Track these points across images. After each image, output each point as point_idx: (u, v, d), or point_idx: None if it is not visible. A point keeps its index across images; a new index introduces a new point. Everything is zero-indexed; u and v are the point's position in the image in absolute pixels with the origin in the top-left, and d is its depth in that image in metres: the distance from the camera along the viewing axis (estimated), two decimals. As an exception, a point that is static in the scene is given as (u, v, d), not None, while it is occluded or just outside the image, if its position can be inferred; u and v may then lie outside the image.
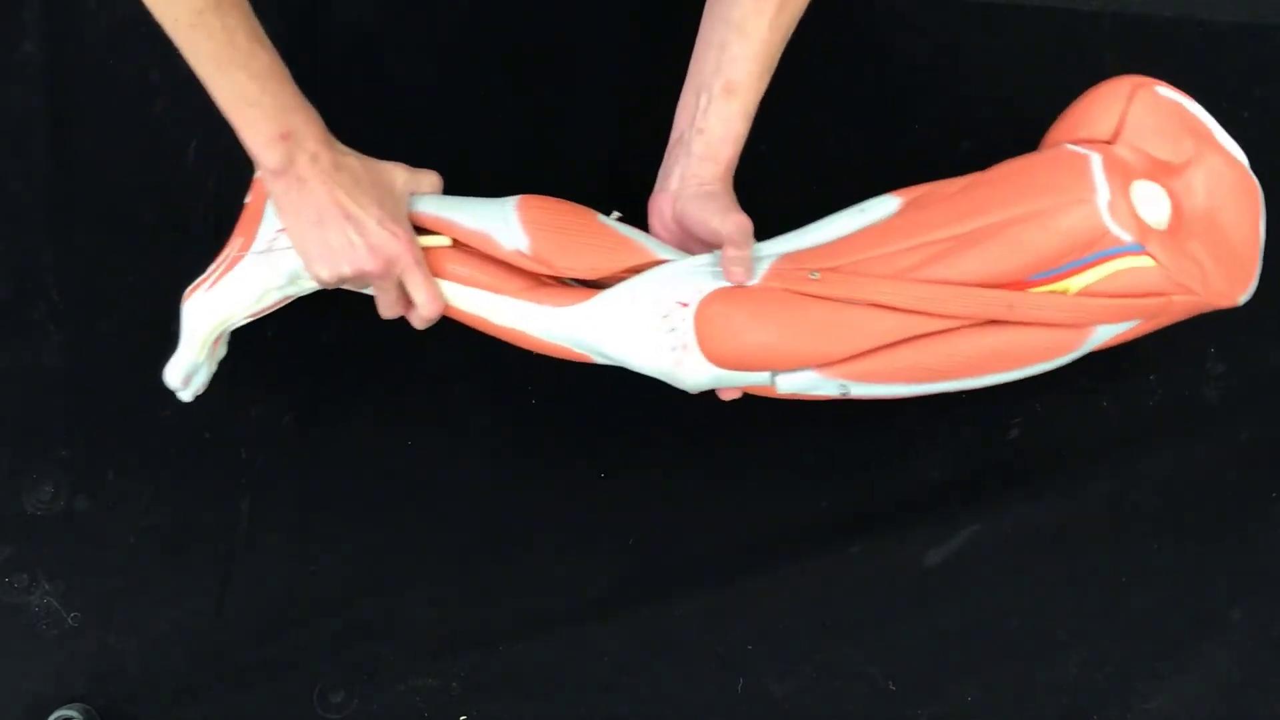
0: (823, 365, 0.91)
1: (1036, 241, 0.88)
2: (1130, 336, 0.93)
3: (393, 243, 0.91)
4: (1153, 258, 0.89)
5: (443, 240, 0.95)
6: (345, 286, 0.96)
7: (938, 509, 1.03)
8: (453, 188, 1.09)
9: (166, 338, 1.07)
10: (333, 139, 0.92)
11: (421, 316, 0.95)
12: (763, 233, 0.94)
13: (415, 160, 1.09)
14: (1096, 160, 0.90)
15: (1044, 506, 1.04)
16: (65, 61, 1.10)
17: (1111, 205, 0.89)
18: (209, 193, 1.08)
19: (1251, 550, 1.03)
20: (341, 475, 1.06)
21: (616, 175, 1.08)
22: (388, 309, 0.96)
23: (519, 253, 0.93)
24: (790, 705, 1.02)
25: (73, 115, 1.09)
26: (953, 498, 1.03)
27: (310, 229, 0.91)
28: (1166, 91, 0.95)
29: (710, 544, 1.05)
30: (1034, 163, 0.93)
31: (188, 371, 0.99)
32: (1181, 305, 0.92)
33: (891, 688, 1.02)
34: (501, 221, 0.93)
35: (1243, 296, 0.93)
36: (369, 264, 0.91)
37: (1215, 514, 1.04)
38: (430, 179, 0.98)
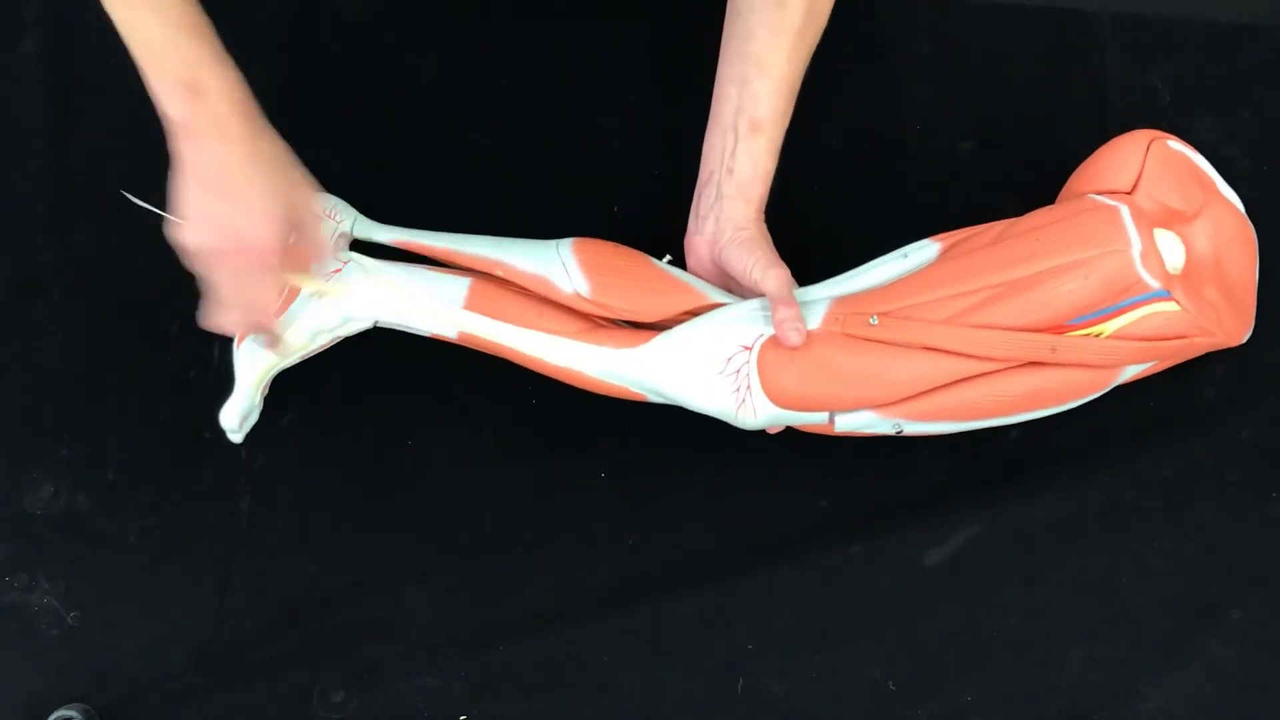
0: (880, 406, 0.95)
1: (1076, 290, 0.93)
2: (1148, 374, 1.00)
3: (254, 234, 0.85)
4: (1177, 302, 0.95)
5: (322, 287, 0.94)
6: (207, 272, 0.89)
7: (938, 509, 1.04)
8: (459, 201, 1.09)
9: (167, 338, 1.07)
10: (256, 114, 0.88)
11: (222, 322, 0.89)
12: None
13: (417, 170, 1.09)
14: (1126, 211, 0.95)
15: (1044, 506, 1.04)
16: (65, 61, 1.10)
17: (1143, 255, 0.94)
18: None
19: (1251, 550, 1.03)
20: (341, 475, 1.06)
21: (629, 191, 1.08)
22: (220, 308, 0.88)
23: (579, 295, 0.95)
24: (790, 705, 1.02)
25: (73, 115, 1.09)
26: (953, 498, 1.03)
27: (192, 189, 0.86)
28: (1177, 145, 1.00)
29: (710, 544, 1.05)
30: (1067, 213, 0.97)
31: (243, 414, 1.00)
32: (1199, 346, 0.99)
33: (891, 688, 1.02)
34: (560, 265, 0.95)
35: (1245, 336, 1.01)
36: (220, 242, 0.85)
37: (1215, 514, 1.04)
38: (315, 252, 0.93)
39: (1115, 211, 0.95)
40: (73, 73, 1.10)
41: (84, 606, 1.04)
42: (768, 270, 0.95)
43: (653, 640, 1.03)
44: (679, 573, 1.04)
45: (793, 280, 0.96)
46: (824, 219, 1.06)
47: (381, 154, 1.08)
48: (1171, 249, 0.97)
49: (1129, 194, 0.98)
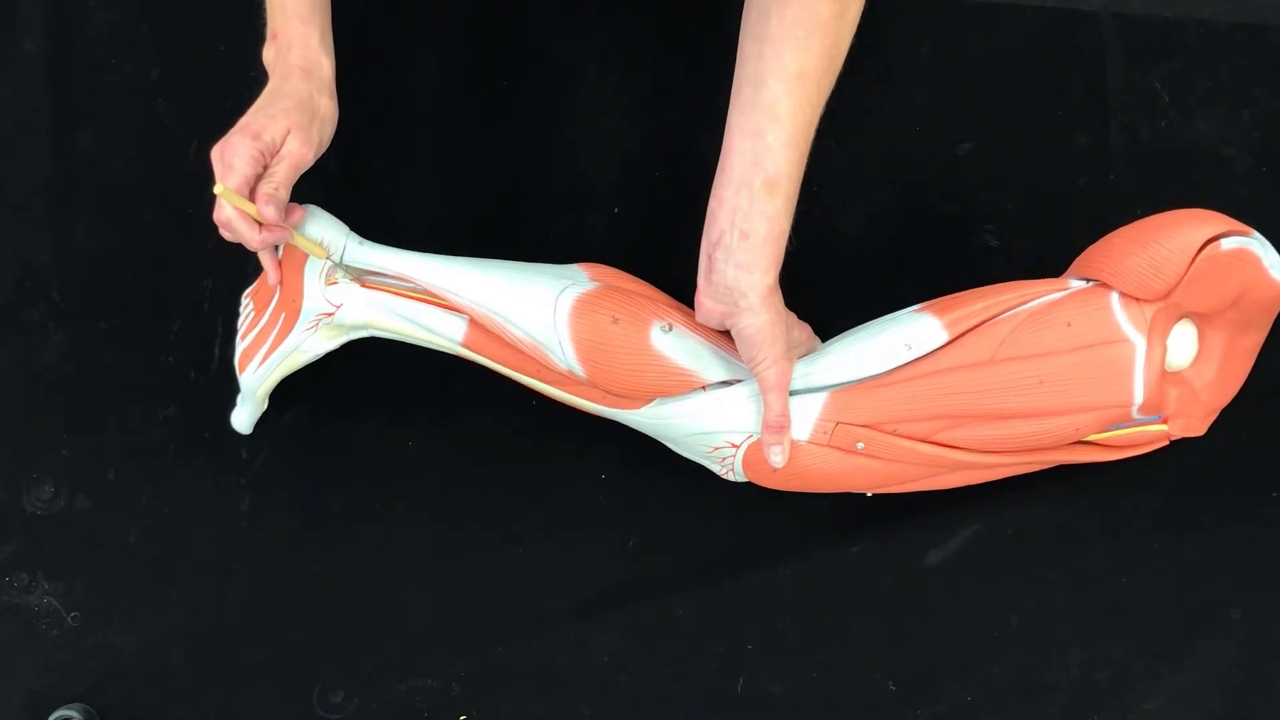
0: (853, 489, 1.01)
1: (1068, 433, 0.96)
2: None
3: (233, 132, 0.91)
4: (1166, 423, 0.99)
5: (313, 248, 0.95)
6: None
7: (938, 509, 1.03)
8: (458, 202, 1.09)
9: (167, 338, 1.07)
10: (323, 77, 0.95)
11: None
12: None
13: (416, 170, 1.09)
14: (1140, 360, 0.94)
15: (1044, 506, 1.04)
16: (65, 61, 1.10)
17: (1143, 406, 0.95)
18: (209, 193, 1.08)
19: (1251, 550, 1.03)
20: (341, 475, 1.06)
21: (629, 193, 1.08)
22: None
23: (572, 373, 0.96)
24: (790, 705, 1.02)
25: (73, 115, 1.09)
26: (953, 498, 1.03)
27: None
28: (1232, 244, 0.94)
29: (710, 544, 1.05)
30: (1077, 342, 0.95)
31: (253, 419, 1.03)
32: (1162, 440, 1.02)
33: (891, 688, 1.02)
34: (555, 340, 0.95)
35: (1215, 415, 1.02)
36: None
37: (1215, 514, 1.04)
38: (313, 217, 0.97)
39: (1129, 365, 0.94)
40: (73, 72, 1.10)
41: (84, 606, 1.04)
42: (770, 368, 0.93)
43: (653, 640, 1.03)
44: (679, 573, 1.04)
45: (789, 381, 0.94)
46: (822, 220, 1.06)
47: (381, 155, 1.08)
48: (1184, 346, 0.97)
49: (1162, 297, 0.95)
